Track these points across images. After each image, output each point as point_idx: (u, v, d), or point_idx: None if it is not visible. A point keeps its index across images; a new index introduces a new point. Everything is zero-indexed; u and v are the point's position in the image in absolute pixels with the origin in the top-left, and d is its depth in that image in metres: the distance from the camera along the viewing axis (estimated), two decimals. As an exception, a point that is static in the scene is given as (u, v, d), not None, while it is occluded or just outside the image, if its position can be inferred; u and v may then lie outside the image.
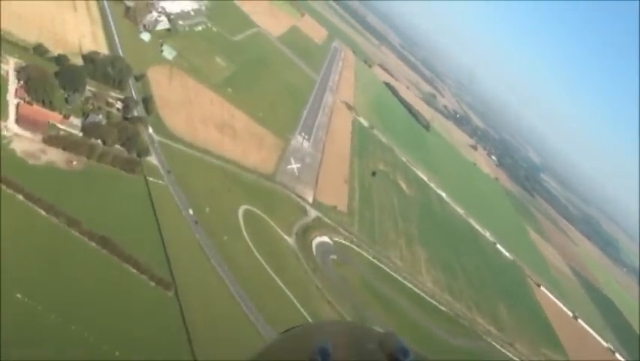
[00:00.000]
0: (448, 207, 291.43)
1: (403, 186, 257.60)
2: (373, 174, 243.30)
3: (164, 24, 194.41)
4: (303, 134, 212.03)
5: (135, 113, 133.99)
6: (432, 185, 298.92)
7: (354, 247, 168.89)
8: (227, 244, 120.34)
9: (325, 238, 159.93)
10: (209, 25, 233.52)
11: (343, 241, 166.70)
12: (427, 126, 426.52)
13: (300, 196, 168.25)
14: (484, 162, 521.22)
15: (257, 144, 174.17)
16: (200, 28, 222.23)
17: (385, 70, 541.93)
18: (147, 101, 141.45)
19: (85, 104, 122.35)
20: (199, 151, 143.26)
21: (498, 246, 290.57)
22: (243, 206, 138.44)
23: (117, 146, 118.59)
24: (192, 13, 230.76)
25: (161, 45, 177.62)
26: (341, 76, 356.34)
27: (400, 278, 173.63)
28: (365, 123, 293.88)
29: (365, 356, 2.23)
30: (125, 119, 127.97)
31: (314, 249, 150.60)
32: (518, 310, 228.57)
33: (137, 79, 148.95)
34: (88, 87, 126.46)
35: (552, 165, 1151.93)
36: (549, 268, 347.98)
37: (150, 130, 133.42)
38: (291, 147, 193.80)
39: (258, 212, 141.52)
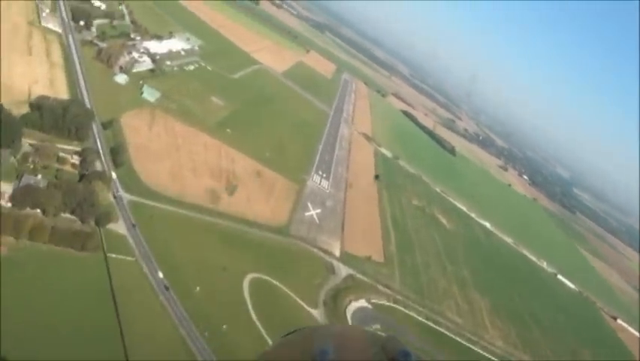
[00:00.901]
0: (495, 238, 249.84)
1: (443, 220, 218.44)
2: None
3: (146, 64, 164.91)
4: (320, 172, 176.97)
5: (98, 168, 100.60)
6: (472, 215, 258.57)
7: (400, 308, 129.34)
8: (228, 336, 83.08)
9: (362, 303, 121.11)
10: (203, 64, 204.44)
11: (385, 303, 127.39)
12: (452, 151, 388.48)
13: (324, 250, 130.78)
14: (518, 183, 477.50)
15: (265, 191, 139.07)
16: (191, 67, 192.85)
17: (400, 98, 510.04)
18: (117, 152, 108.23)
19: (22, 164, 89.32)
20: (187, 208, 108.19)
21: (559, 277, 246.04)
22: (250, 275, 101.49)
23: (66, 215, 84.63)
24: (183, 53, 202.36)
25: (142, 87, 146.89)
26: (355, 107, 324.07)
27: (462, 341, 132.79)
28: (388, 154, 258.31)
29: (366, 358, 2.18)
30: (82, 177, 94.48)
31: (350, 320, 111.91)
32: (605, 355, 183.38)
33: (105, 126, 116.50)
34: (29, 141, 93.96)
35: (573, 170, 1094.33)
36: (615, 292, 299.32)
37: (117, 185, 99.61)
38: (307, 189, 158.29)
39: (271, 280, 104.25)
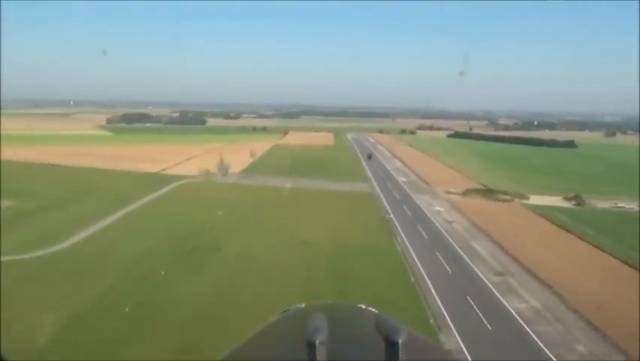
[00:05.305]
0: None
1: None
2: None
3: None
4: None
5: None
6: None
7: None
8: None
9: None
10: None
11: None
12: (570, 144, 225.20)
13: None
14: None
15: None
16: None
17: (429, 128, 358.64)
18: None
19: None
20: None
21: None
22: None
23: None
24: None
25: None
26: (402, 159, 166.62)
27: None
28: (559, 203, 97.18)
29: (361, 335, 2.11)
30: None
31: None
32: None
33: None
34: None
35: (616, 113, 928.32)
36: None
37: None
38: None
39: None
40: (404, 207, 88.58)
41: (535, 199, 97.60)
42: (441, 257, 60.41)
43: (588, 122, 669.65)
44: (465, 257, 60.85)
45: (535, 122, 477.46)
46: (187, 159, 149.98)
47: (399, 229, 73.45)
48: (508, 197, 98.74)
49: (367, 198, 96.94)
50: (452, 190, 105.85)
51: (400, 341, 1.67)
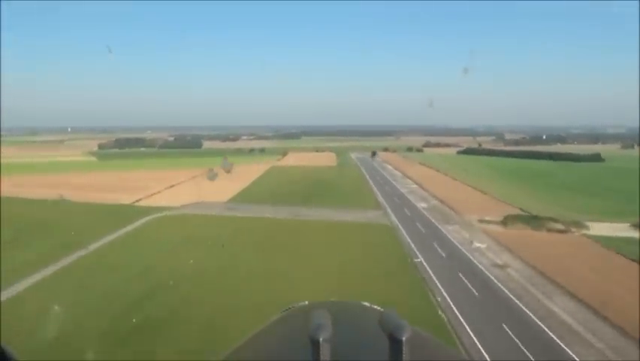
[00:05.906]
0: None
1: None
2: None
3: None
4: None
5: None
6: None
7: None
8: None
9: None
10: None
11: None
12: (597, 157, 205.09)
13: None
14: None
15: None
16: None
17: (437, 145, 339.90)
18: None
19: None
20: None
21: None
22: None
23: None
24: None
25: None
26: (416, 180, 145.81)
27: None
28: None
29: (365, 333, 2.08)
30: None
31: None
32: None
33: None
34: None
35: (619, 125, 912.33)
36: None
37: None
38: None
39: None
40: (434, 244, 67.81)
41: (595, 228, 76.83)
42: (512, 334, 39.48)
43: (591, 134, 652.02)
44: (548, 332, 39.89)
45: (544, 136, 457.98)
46: (169, 187, 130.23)
47: (435, 281, 52.62)
48: (560, 226, 77.91)
49: (384, 233, 76.17)
50: (487, 218, 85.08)
51: (404, 338, 1.64)
